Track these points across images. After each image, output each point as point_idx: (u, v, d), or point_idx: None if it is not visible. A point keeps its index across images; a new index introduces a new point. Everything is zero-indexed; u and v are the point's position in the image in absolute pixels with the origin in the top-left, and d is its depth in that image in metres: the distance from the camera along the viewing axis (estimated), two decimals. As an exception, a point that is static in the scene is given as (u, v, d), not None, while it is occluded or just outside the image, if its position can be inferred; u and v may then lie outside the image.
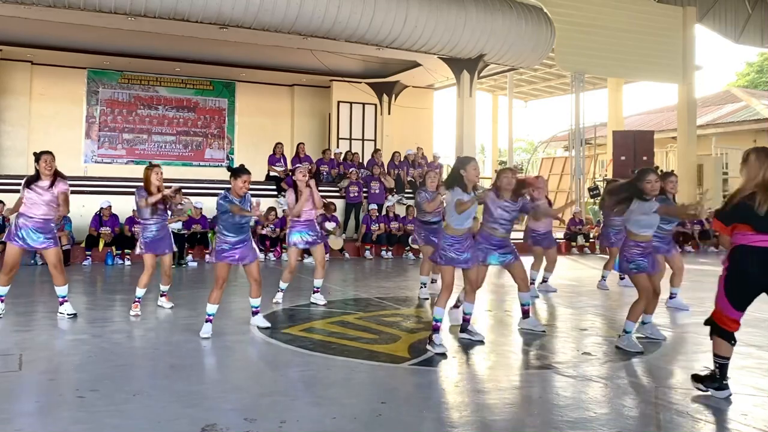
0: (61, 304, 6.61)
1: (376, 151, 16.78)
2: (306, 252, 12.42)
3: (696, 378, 4.27)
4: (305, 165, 14.30)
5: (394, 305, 7.56)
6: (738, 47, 25.54)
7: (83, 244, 11.73)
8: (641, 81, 20.87)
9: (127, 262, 11.48)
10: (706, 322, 4.23)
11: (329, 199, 14.24)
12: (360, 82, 18.41)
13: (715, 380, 4.15)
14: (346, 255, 13.16)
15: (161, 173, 6.89)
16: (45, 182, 6.42)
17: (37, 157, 6.48)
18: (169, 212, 7.09)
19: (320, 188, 14.39)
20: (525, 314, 6.28)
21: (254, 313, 6.21)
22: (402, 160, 15.93)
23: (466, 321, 5.77)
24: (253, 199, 6.14)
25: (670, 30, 18.51)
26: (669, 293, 7.48)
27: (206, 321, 5.77)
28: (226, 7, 11.73)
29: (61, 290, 6.57)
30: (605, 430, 3.55)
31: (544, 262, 8.75)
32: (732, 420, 3.70)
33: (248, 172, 5.91)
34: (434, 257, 5.59)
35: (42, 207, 6.45)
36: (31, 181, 6.42)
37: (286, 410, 3.76)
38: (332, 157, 15.64)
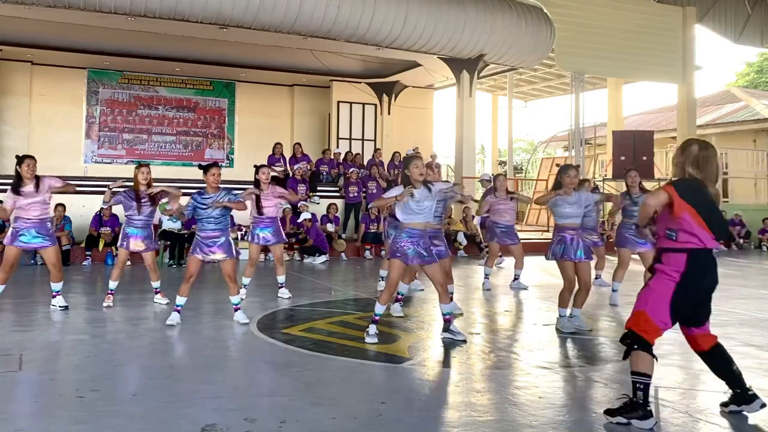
0: (54, 297, 6.90)
1: (375, 150, 16.79)
2: (306, 253, 12.47)
3: (611, 412, 3.59)
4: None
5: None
6: (738, 47, 25.55)
7: (83, 244, 11.73)
8: (641, 81, 20.86)
9: (128, 262, 11.46)
10: (623, 338, 3.67)
11: (330, 200, 14.27)
12: (360, 82, 18.41)
13: (636, 408, 3.48)
14: (343, 256, 13.16)
15: (147, 172, 7.26)
16: (29, 187, 6.61)
17: (20, 160, 6.69)
18: (159, 209, 7.53)
19: (320, 188, 14.54)
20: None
21: (236, 310, 6.39)
22: (402, 160, 15.93)
23: (446, 321, 5.72)
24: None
25: (670, 30, 18.49)
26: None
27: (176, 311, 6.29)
28: (226, 7, 11.73)
29: (57, 286, 6.87)
30: (605, 430, 3.55)
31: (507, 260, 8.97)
32: (732, 420, 3.69)
33: (217, 165, 6.39)
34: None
35: (36, 208, 6.65)
36: (16, 186, 6.60)
37: (286, 410, 3.76)
38: (332, 157, 15.64)
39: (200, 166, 6.42)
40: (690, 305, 3.63)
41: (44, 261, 7.12)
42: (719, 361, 3.75)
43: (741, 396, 3.70)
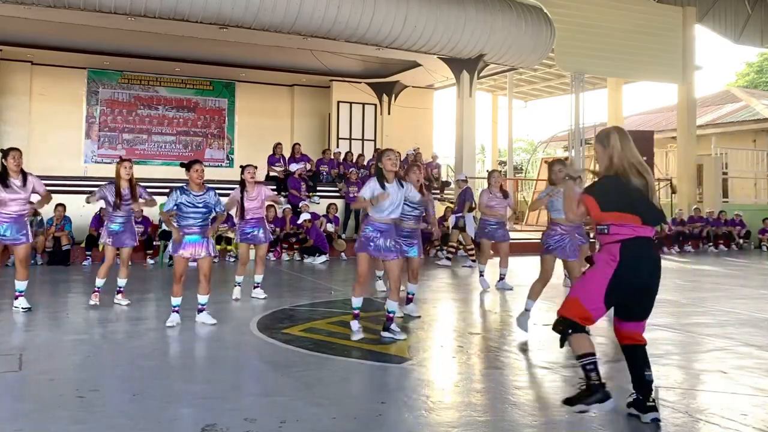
0: (17, 298, 6.79)
1: (375, 150, 16.79)
2: (306, 253, 12.46)
3: (570, 401, 3.56)
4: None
5: (394, 305, 7.54)
6: (738, 47, 25.55)
7: (83, 244, 11.73)
8: (641, 81, 20.85)
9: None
10: (556, 326, 3.67)
11: (330, 200, 14.27)
12: (360, 82, 18.41)
13: (594, 390, 3.46)
14: (343, 256, 13.14)
15: (129, 166, 7.26)
16: (17, 180, 6.64)
17: (5, 153, 6.67)
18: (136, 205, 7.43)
19: (320, 188, 14.54)
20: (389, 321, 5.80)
21: (199, 311, 6.32)
22: (402, 160, 15.96)
23: (389, 320, 5.71)
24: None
25: (670, 30, 18.50)
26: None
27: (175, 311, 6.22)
28: (226, 7, 11.73)
29: (21, 285, 6.77)
30: (605, 430, 3.55)
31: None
32: (732, 420, 3.69)
33: (200, 162, 6.27)
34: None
35: (17, 204, 6.65)
36: (4, 179, 6.60)
37: (286, 410, 3.76)
38: (332, 157, 15.64)
39: (182, 164, 6.32)
40: (625, 293, 3.54)
41: (15, 257, 7.05)
42: (638, 360, 3.65)
43: (641, 404, 3.62)
